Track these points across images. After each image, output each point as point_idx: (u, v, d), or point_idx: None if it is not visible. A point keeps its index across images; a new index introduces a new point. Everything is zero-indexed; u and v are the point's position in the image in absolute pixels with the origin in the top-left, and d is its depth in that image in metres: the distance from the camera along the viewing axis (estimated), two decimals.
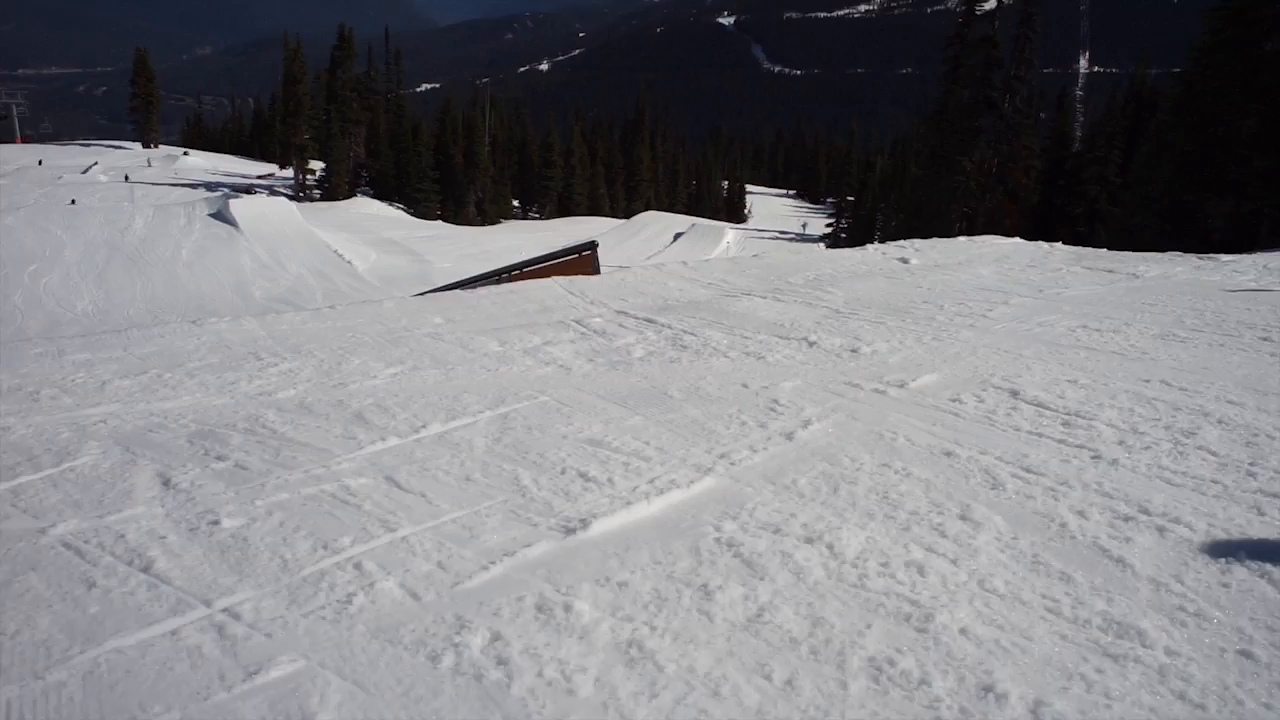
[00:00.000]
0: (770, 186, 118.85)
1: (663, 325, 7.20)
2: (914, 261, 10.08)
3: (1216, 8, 23.57)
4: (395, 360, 6.43)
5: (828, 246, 54.51)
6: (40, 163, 61.43)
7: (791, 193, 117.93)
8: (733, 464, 4.13)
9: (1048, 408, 4.82)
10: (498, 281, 10.06)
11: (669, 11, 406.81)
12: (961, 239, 11.30)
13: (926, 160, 31.74)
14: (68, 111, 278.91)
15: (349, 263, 38.64)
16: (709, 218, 75.39)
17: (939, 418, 4.73)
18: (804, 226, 78.76)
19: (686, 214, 75.14)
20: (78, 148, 77.24)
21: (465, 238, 53.55)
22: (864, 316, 7.52)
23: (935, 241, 11.30)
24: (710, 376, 5.70)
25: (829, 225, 55.36)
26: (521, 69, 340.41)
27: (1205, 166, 22.64)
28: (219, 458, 4.37)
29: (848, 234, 53.47)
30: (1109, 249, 23.33)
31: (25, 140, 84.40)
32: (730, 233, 61.54)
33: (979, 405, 4.91)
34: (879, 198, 54.48)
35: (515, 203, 72.15)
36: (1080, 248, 11.28)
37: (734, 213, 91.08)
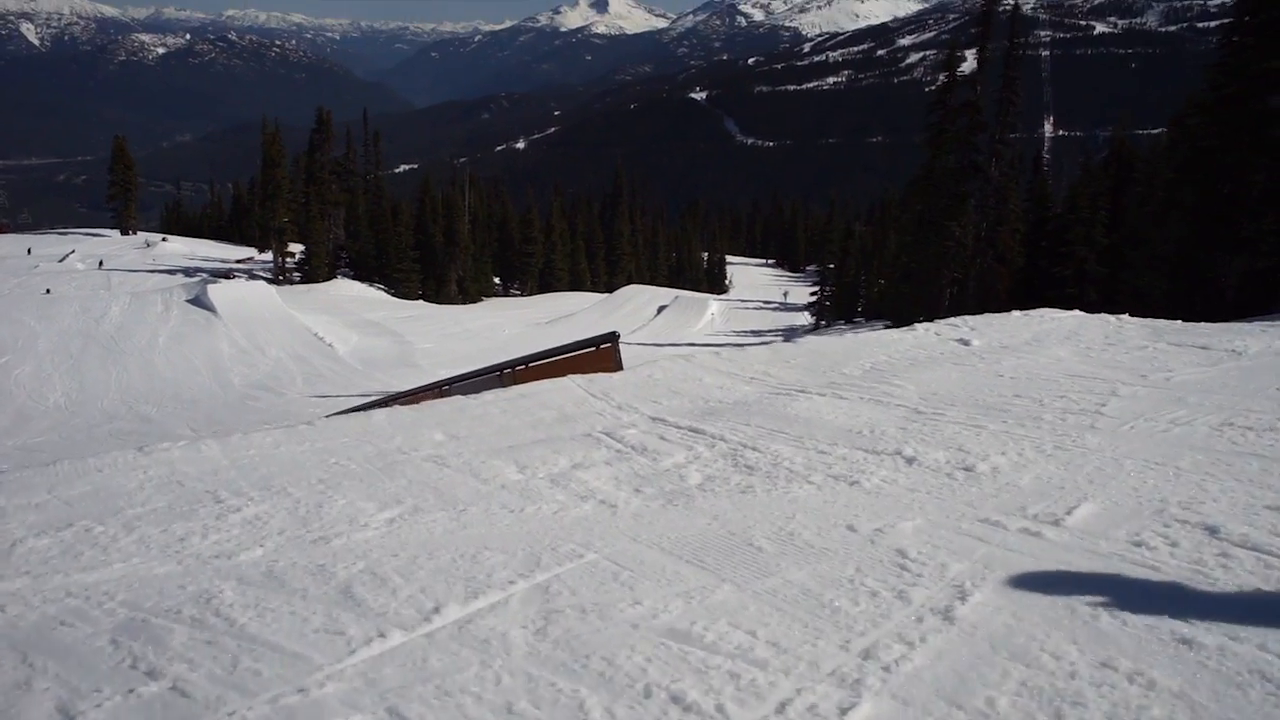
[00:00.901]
0: (749, 256, 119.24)
1: (714, 437, 5.92)
2: (975, 343, 8.96)
3: (1217, 63, 23.15)
4: (391, 498, 5.15)
5: (813, 315, 53.81)
6: (30, 251, 60.36)
7: (771, 262, 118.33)
8: (887, 671, 2.87)
9: (1272, 554, 3.61)
10: (499, 378, 9.01)
11: (642, 89, 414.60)
12: (1016, 314, 10.26)
13: (914, 226, 31.12)
14: (48, 201, 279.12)
15: (329, 345, 37.50)
16: (690, 289, 75.04)
17: (1134, 575, 3.50)
18: (785, 295, 78.44)
19: (668, 286, 74.80)
20: (55, 236, 76.30)
21: (446, 317, 52.65)
22: (953, 418, 6.29)
23: (989, 318, 10.17)
24: (801, 515, 4.46)
25: (813, 294, 54.77)
26: (499, 148, 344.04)
27: (1217, 224, 21.95)
28: (150, 673, 3.08)
29: (832, 302, 52.84)
30: (1113, 312, 22.38)
31: (1, 230, 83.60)
32: (714, 304, 60.95)
33: (1174, 552, 3.69)
34: (861, 265, 54.06)
35: (496, 280, 71.51)
36: (1152, 320, 10.16)
37: (715, 284, 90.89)
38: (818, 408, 6.75)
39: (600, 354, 8.25)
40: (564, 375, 7.86)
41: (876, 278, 54.07)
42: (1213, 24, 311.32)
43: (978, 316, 10.39)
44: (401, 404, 10.67)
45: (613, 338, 8.23)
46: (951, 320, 10.10)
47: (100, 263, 59.46)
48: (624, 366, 8.03)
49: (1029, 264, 32.06)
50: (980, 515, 4.22)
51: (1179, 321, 9.95)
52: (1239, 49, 22.61)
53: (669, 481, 5.24)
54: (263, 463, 6.10)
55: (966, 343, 8.95)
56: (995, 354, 8.62)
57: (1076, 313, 10.60)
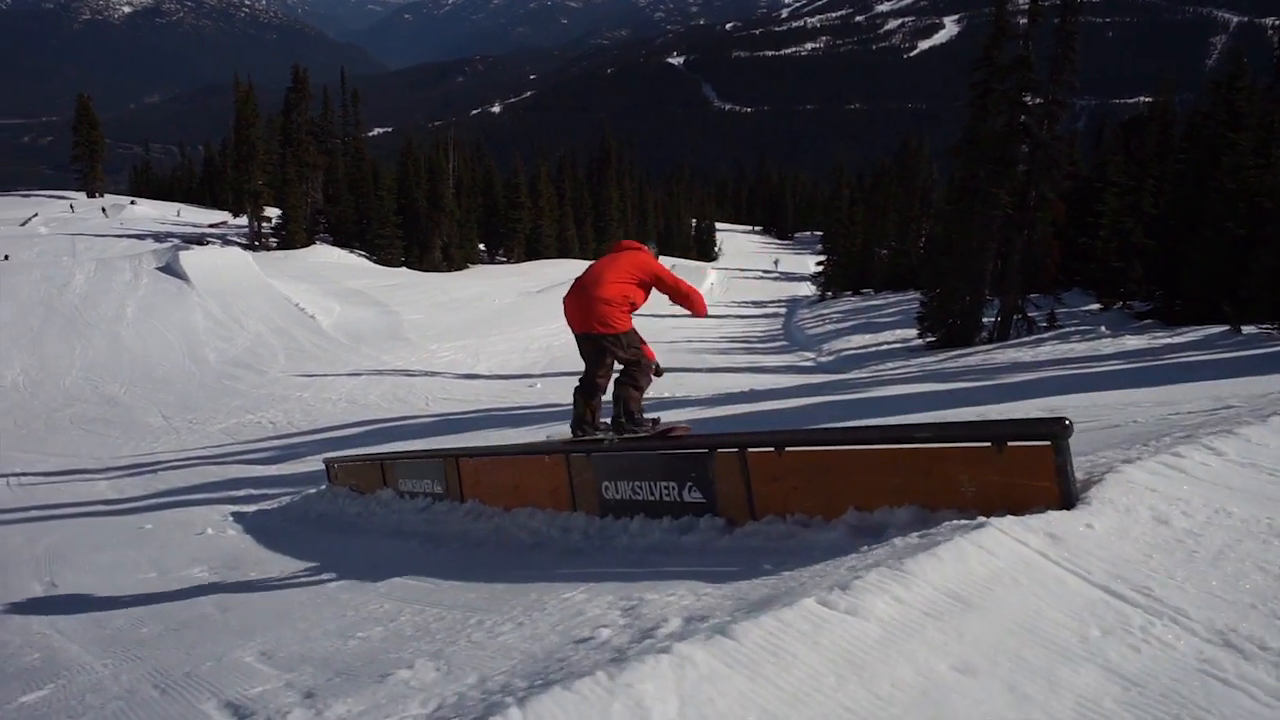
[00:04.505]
0: (734, 223, 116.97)
1: None
2: None
3: None
4: None
5: (817, 286, 51.78)
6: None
7: (758, 229, 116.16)
8: None
9: None
10: (740, 460, 4.63)
11: (619, 53, 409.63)
12: None
13: (955, 194, 29.00)
14: (13, 162, 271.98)
15: (312, 317, 35.24)
16: (679, 257, 72.95)
17: None
18: (776, 263, 76.75)
19: (658, 254, 72.59)
20: (18, 198, 73.04)
21: (433, 285, 50.35)
22: None
23: None
24: None
25: (819, 264, 52.54)
26: (474, 111, 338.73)
27: None
28: None
29: (837, 272, 50.69)
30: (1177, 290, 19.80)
31: None
32: (713, 273, 59.03)
33: None
34: (869, 233, 51.95)
35: (481, 246, 68.98)
36: None
37: (704, 251, 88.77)
38: None
39: (1014, 460, 3.65)
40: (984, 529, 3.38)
41: (879, 248, 52.25)
42: None
43: None
44: (482, 462, 7.07)
45: (1056, 430, 3.54)
46: None
47: (71, 206, 57.91)
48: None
49: (1056, 234, 30.15)
50: None
51: None
52: None
53: None
54: None
55: None
56: None
57: None
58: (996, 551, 3.13)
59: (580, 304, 5.89)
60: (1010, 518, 3.34)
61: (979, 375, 16.46)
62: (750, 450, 4.57)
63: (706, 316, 6.48)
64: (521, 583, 4.24)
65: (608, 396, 6.06)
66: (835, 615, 2.65)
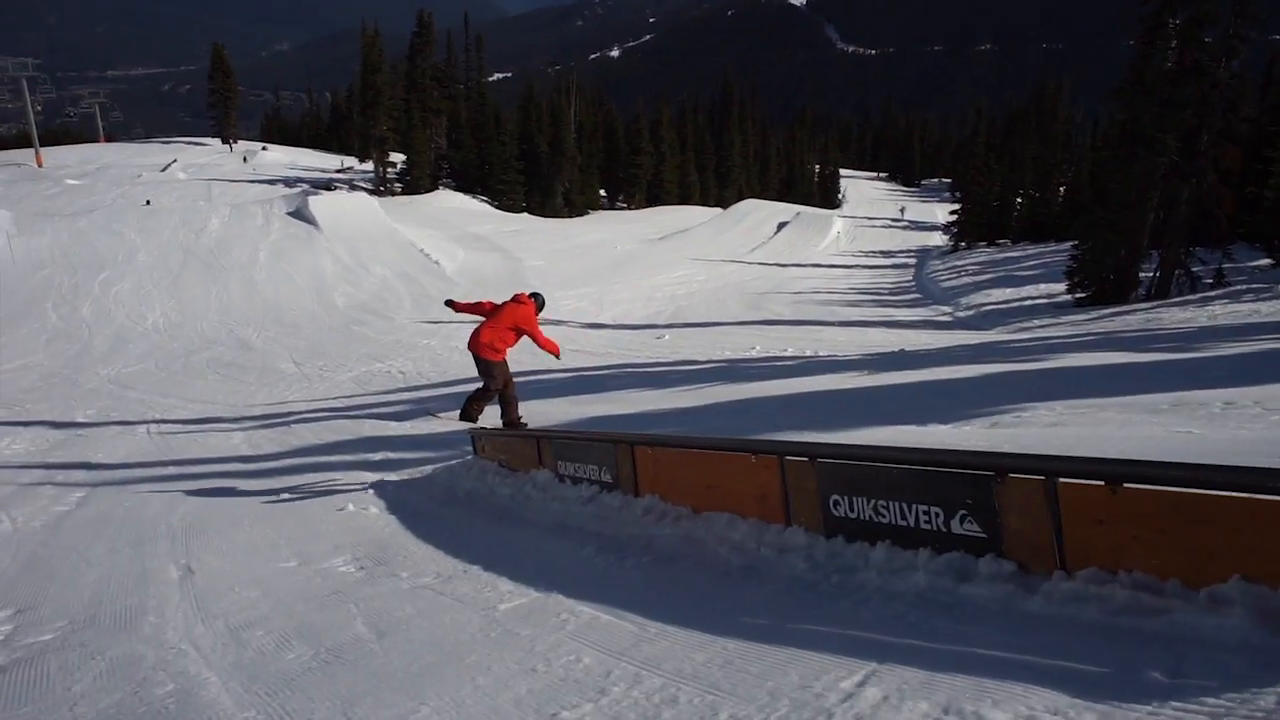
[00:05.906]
0: (858, 169, 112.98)
1: None
2: None
3: None
4: None
5: (952, 238, 49.17)
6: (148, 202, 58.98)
7: (883, 175, 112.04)
8: None
9: None
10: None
11: None
12: None
13: (1115, 139, 26.58)
14: (153, 110, 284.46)
15: (436, 263, 35.13)
16: (801, 204, 70.78)
17: None
18: (902, 211, 73.78)
19: (778, 200, 70.64)
20: (158, 145, 75.80)
21: (554, 231, 49.93)
22: None
23: None
24: None
25: (953, 213, 49.72)
26: (592, 56, 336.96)
27: None
28: None
29: (971, 221, 47.86)
30: None
31: (108, 140, 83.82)
32: (839, 221, 56.84)
33: None
34: (1007, 181, 48.88)
35: (602, 192, 68.21)
36: None
37: (827, 198, 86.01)
38: None
39: None
40: None
41: (1014, 196, 49.28)
42: None
43: None
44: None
45: None
46: None
47: (258, 151, 61.28)
48: None
49: (1221, 182, 27.48)
50: None
51: None
52: None
53: None
54: None
55: None
56: None
57: None
58: None
59: (473, 337, 8.85)
60: None
61: (1169, 342, 14.75)
62: (1064, 480, 3.36)
63: (559, 357, 9.31)
64: (760, 641, 3.24)
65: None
66: None
